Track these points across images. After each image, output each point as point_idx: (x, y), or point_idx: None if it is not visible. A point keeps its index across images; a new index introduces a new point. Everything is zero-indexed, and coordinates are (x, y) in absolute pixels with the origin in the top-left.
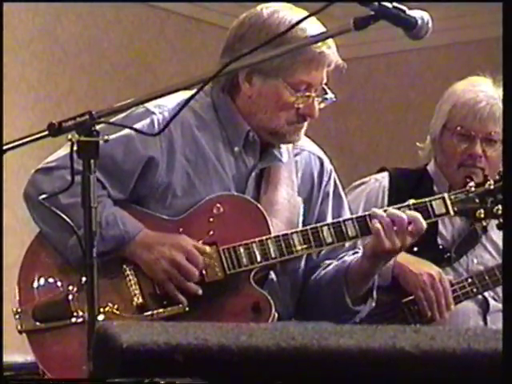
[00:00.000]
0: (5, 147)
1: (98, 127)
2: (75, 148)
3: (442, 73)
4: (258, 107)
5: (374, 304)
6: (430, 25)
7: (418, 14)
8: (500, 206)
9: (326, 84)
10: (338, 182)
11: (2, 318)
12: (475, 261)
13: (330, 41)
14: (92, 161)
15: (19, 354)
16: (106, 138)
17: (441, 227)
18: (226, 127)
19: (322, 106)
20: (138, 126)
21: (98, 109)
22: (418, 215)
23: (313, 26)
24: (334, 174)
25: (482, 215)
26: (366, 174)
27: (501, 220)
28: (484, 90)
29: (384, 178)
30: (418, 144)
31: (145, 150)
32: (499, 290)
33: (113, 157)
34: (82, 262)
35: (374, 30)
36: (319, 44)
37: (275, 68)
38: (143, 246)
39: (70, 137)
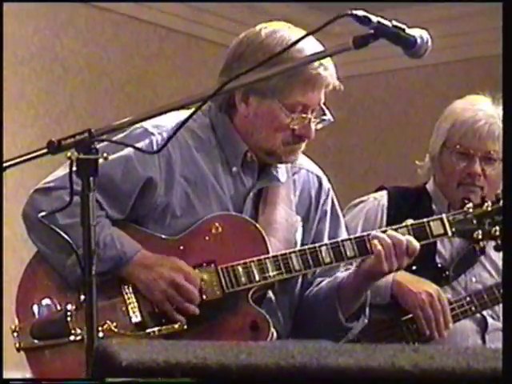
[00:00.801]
0: (4, 164)
1: (97, 146)
2: (74, 166)
3: (441, 91)
4: (254, 127)
5: (366, 321)
6: (430, 43)
7: (418, 33)
8: (497, 228)
9: (324, 104)
10: (335, 201)
11: (2, 330)
12: (474, 280)
13: (328, 62)
14: (91, 179)
15: (18, 370)
16: (105, 155)
17: (439, 246)
18: (224, 147)
19: (320, 126)
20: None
21: (97, 126)
22: (410, 237)
23: (311, 47)
24: (331, 193)
25: (480, 236)
26: (365, 192)
27: (498, 241)
28: (483, 108)
29: (383, 196)
30: (417, 162)
31: (143, 171)
32: (498, 308)
33: (111, 177)
34: (81, 282)
35: (374, 47)
36: (315, 65)
37: (271, 89)
38: (141, 266)
39: (69, 155)
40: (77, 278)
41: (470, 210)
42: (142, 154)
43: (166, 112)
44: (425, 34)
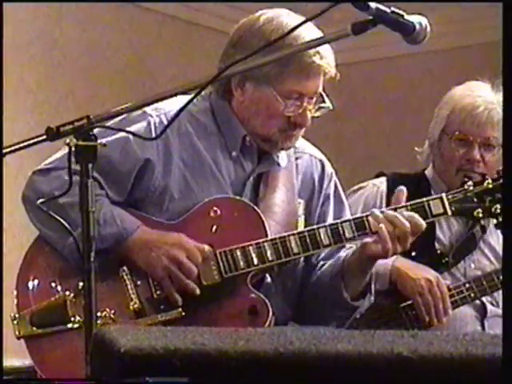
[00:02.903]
0: (3, 151)
1: (95, 130)
2: (73, 152)
3: (441, 77)
4: (249, 113)
5: (372, 298)
6: (429, 30)
7: (416, 19)
8: (498, 205)
9: (324, 91)
10: (338, 185)
11: (2, 319)
12: (473, 266)
13: (325, 50)
14: (90, 165)
15: (17, 358)
16: (103, 142)
17: (438, 232)
18: (223, 132)
19: (317, 114)
20: (134, 128)
21: (96, 112)
22: (415, 215)
23: (308, 34)
24: (334, 178)
25: (480, 214)
26: (365, 178)
27: (499, 219)
28: (482, 95)
29: (382, 182)
30: (416, 149)
31: (141, 152)
32: (497, 295)
33: (109, 159)
34: (81, 264)
35: (373, 34)
36: (311, 53)
37: (266, 76)
38: (142, 243)
39: (67, 141)
40: (78, 259)
41: (471, 188)
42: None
43: (164, 98)
44: (423, 20)
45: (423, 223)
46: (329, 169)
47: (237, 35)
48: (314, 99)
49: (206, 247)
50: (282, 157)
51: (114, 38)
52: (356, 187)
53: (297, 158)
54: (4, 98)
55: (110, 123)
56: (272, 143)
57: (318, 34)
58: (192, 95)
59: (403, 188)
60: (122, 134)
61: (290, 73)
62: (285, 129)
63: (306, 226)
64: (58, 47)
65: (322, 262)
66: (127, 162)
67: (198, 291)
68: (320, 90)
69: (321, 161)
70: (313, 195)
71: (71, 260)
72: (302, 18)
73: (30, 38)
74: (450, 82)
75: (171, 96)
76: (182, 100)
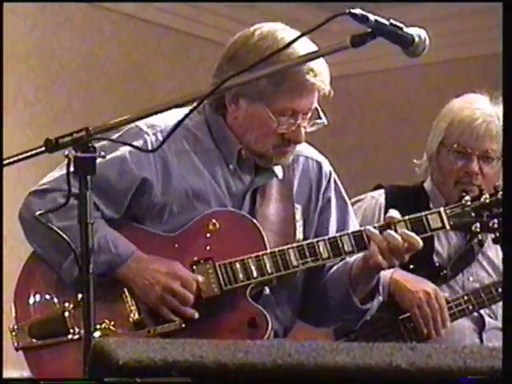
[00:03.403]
0: (2, 162)
1: (95, 145)
2: (72, 165)
3: (439, 89)
4: (243, 129)
5: (381, 298)
6: (427, 42)
7: (415, 32)
8: (496, 220)
9: (319, 106)
10: (338, 183)
11: (2, 330)
12: (471, 278)
13: (320, 66)
14: (89, 177)
15: (16, 369)
16: (103, 154)
17: (437, 245)
18: (219, 145)
19: (312, 129)
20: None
21: (95, 124)
22: (412, 234)
23: (304, 49)
24: (333, 176)
25: (478, 229)
26: (363, 191)
27: (497, 234)
28: (481, 107)
29: (380, 195)
30: (414, 161)
31: (139, 171)
32: (495, 307)
33: (106, 177)
34: (77, 283)
35: (372, 46)
36: (304, 71)
37: (259, 93)
38: (136, 269)
39: (66, 153)
40: (74, 280)
41: (468, 203)
42: (137, 155)
43: (163, 111)
44: (422, 33)
45: (420, 243)
46: (326, 168)
47: (232, 50)
48: (309, 115)
49: (200, 278)
50: (279, 167)
51: (113, 50)
52: (354, 200)
53: (293, 162)
54: (3, 110)
55: (107, 140)
56: (266, 159)
57: (313, 48)
58: (188, 110)
59: (396, 214)
60: (119, 152)
61: (283, 91)
62: (279, 145)
63: (305, 232)
64: (56, 59)
65: (329, 264)
66: (124, 180)
67: (196, 315)
68: (314, 106)
69: (317, 162)
70: (310, 199)
71: (67, 282)
72: (298, 33)
73: (28, 49)
74: (449, 94)
75: (169, 109)
76: (177, 114)
